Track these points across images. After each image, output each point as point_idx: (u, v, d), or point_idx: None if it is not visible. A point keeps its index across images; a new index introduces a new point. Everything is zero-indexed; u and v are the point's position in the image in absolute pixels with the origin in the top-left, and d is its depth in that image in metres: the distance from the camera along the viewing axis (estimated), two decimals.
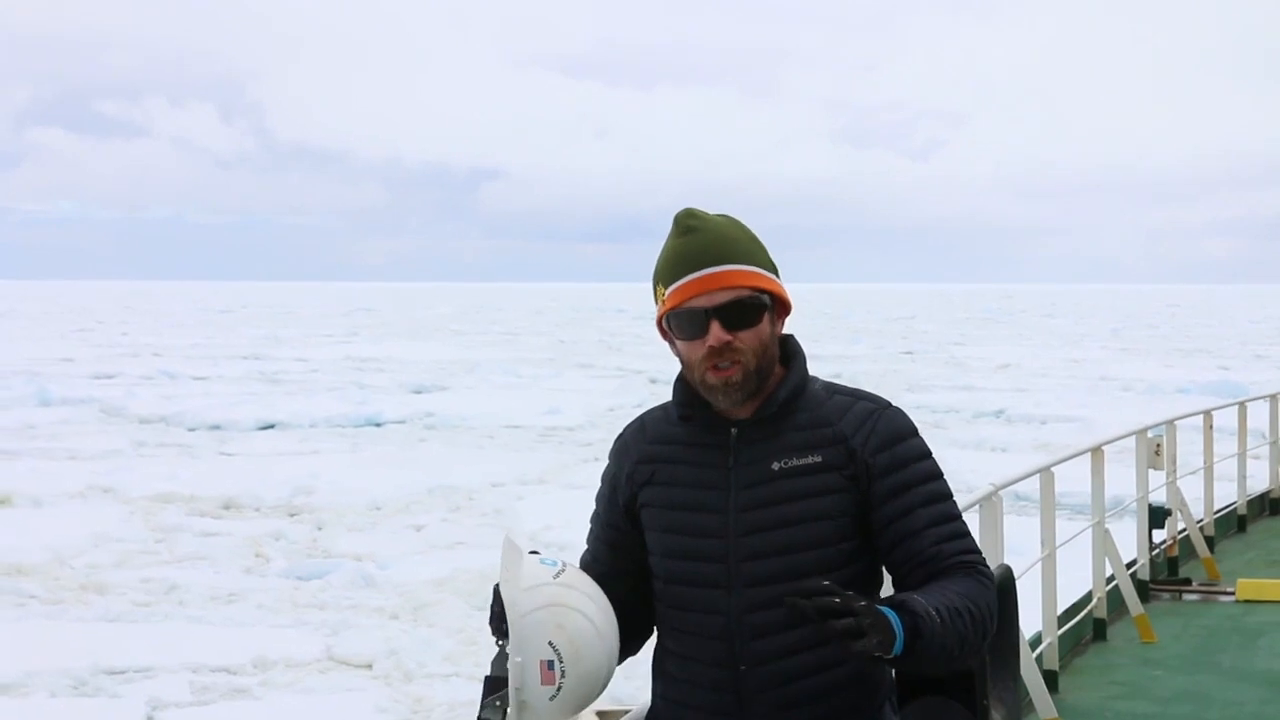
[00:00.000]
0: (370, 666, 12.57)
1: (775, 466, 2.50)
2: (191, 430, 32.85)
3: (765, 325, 2.51)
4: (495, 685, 2.40)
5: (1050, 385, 45.72)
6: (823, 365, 54.91)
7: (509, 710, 2.34)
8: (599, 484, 2.71)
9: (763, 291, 2.51)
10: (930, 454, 2.55)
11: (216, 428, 33.16)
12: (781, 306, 2.56)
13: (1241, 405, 11.92)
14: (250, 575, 16.57)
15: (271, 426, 33.55)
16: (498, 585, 2.40)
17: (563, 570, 2.42)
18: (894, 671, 2.64)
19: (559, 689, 2.34)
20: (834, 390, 2.59)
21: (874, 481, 2.49)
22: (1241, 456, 11.65)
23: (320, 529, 19.62)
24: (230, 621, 14.21)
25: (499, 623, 2.40)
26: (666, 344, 2.59)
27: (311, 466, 25.45)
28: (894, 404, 2.58)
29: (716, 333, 2.47)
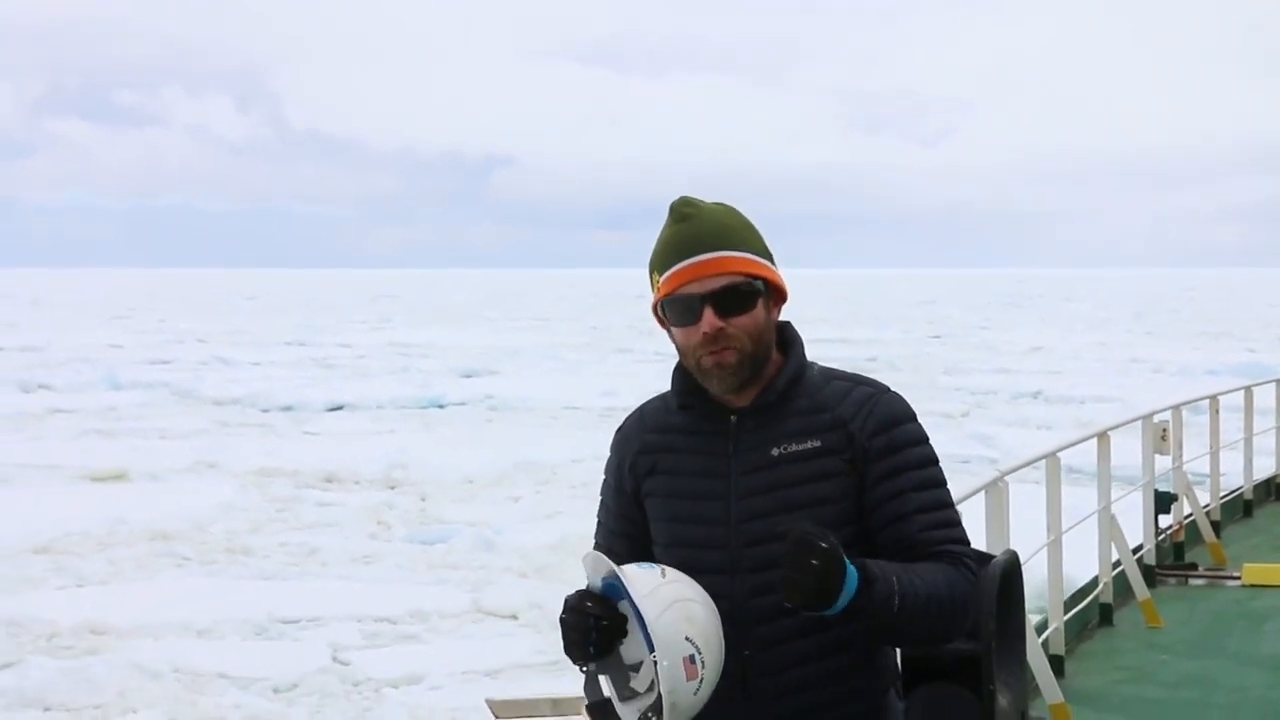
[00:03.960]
0: (516, 617, 13.93)
1: (775, 452, 2.53)
2: (265, 411, 34.35)
3: (760, 311, 2.52)
4: (603, 711, 2.45)
5: (1082, 368, 46.93)
6: (854, 349, 56.24)
7: (663, 717, 2.35)
8: (603, 480, 2.74)
9: (757, 278, 2.52)
10: (927, 439, 2.58)
11: (289, 409, 34.67)
12: (777, 293, 2.57)
13: (1248, 390, 11.93)
14: (376, 540, 17.97)
15: (341, 408, 35.06)
16: (567, 616, 2.43)
17: (664, 569, 2.45)
18: (899, 657, 2.71)
19: (701, 680, 2.38)
20: (832, 375, 2.61)
21: (870, 464, 2.52)
22: (1248, 441, 11.65)
23: (424, 500, 21.00)
24: (376, 579, 15.60)
25: (584, 646, 2.41)
26: (664, 331, 2.60)
27: (394, 444, 26.81)
28: (892, 389, 2.61)
29: (709, 319, 2.48)
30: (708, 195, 2.61)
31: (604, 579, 2.44)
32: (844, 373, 2.62)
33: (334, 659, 12.49)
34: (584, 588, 2.47)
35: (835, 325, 78.18)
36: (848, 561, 2.32)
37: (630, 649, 2.42)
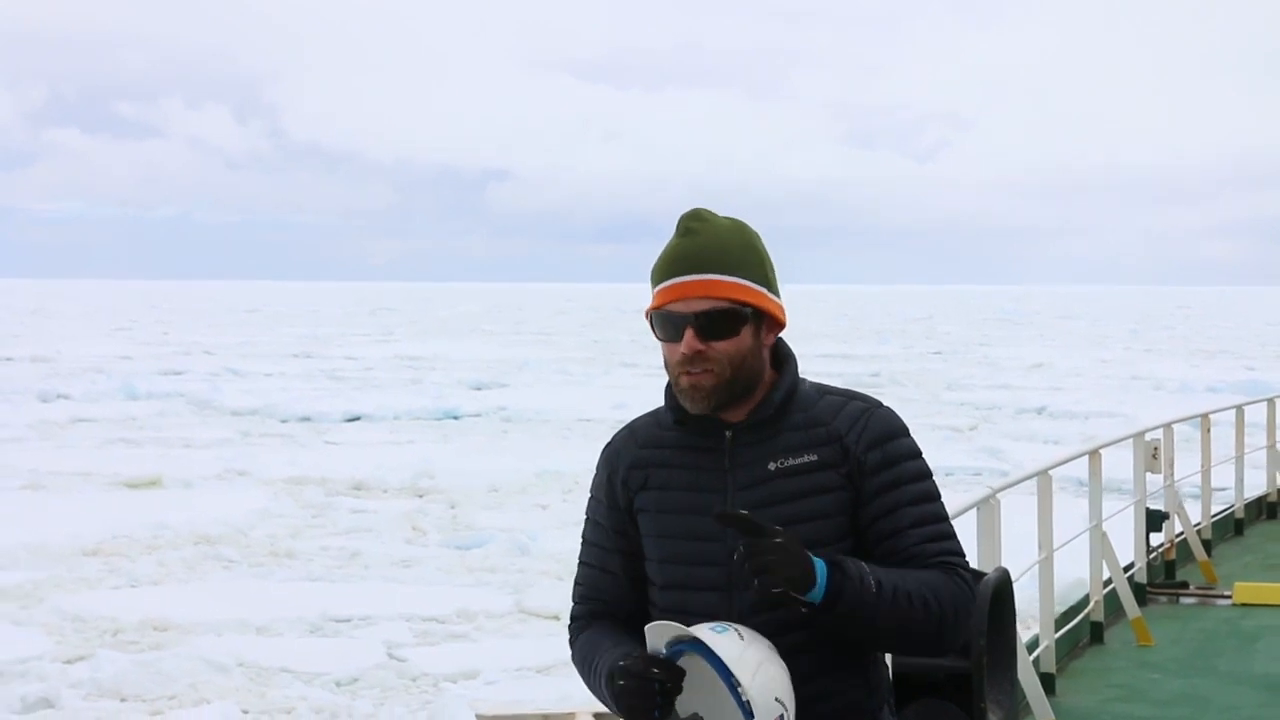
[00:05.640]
0: (558, 617, 14.46)
1: (772, 467, 2.52)
2: (284, 422, 34.87)
3: (745, 338, 2.51)
4: None
5: (1085, 384, 47.50)
6: (856, 365, 56.89)
7: None
8: (589, 499, 2.71)
9: (746, 304, 2.50)
10: (920, 454, 2.58)
11: (307, 419, 35.22)
12: (770, 321, 2.56)
13: (1239, 409, 11.98)
14: (413, 546, 18.52)
15: (358, 419, 35.61)
16: (629, 683, 2.38)
17: (738, 630, 2.42)
18: (892, 673, 2.69)
19: None
20: (825, 391, 2.62)
21: (865, 478, 2.52)
22: (1239, 459, 11.71)
23: (454, 507, 21.55)
24: (419, 582, 16.16)
25: (649, 712, 2.37)
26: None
27: (416, 454, 27.37)
28: (884, 404, 2.61)
29: (689, 340, 2.48)
30: (706, 209, 2.58)
31: (669, 645, 2.40)
32: (836, 388, 2.64)
33: (389, 655, 13.03)
34: (636, 653, 2.44)
35: (837, 341, 78.92)
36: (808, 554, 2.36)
37: (684, 705, 2.40)
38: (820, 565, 2.35)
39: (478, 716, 10.38)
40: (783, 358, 2.60)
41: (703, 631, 2.37)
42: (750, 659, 2.35)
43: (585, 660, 2.60)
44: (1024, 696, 6.09)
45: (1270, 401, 12.80)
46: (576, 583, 2.70)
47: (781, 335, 2.62)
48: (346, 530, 19.39)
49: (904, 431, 2.58)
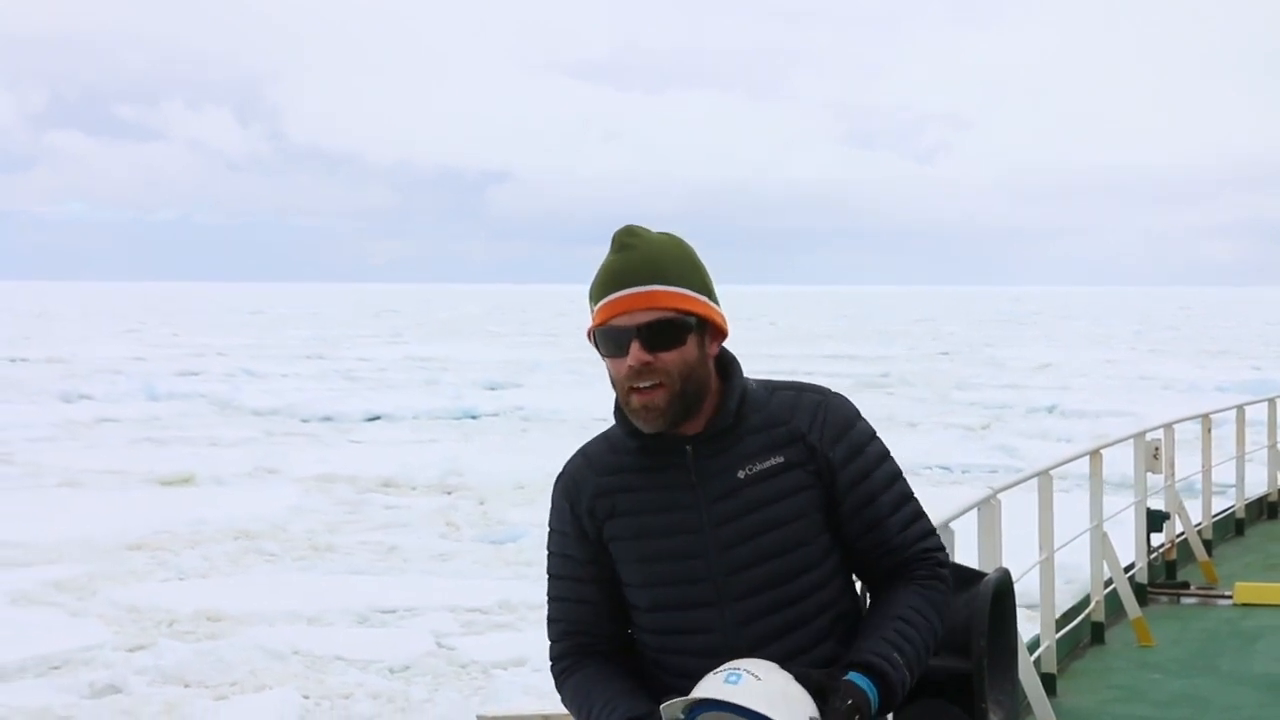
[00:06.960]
0: None
1: (741, 475, 2.51)
2: (306, 421, 35.36)
3: (691, 347, 2.48)
4: None
5: (1092, 384, 47.88)
6: (864, 366, 57.29)
7: None
8: (550, 533, 2.68)
9: (689, 314, 2.48)
10: (876, 434, 2.61)
11: (328, 419, 35.71)
12: (714, 330, 2.54)
13: (1240, 409, 11.93)
14: (448, 540, 18.97)
15: (378, 418, 36.08)
16: None
17: (749, 669, 2.44)
18: None
19: None
20: (773, 387, 2.61)
21: (837, 473, 2.53)
22: (1240, 459, 11.66)
23: (483, 504, 22.01)
24: (457, 575, 16.61)
25: None
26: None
27: (440, 452, 27.80)
28: (832, 390, 2.63)
29: (636, 352, 2.45)
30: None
31: (686, 711, 2.41)
32: (782, 381, 2.64)
33: (438, 644, 13.46)
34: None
35: (841, 342, 79.23)
36: (856, 679, 2.44)
37: None
38: (871, 692, 2.43)
39: (478, 717, 10.78)
40: (727, 364, 2.58)
41: (719, 688, 2.39)
42: (775, 693, 2.38)
43: (579, 709, 2.60)
44: (1025, 697, 6.10)
45: (1271, 401, 12.81)
46: (552, 620, 2.69)
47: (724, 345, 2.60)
48: (382, 526, 19.85)
49: (858, 416, 2.59)
